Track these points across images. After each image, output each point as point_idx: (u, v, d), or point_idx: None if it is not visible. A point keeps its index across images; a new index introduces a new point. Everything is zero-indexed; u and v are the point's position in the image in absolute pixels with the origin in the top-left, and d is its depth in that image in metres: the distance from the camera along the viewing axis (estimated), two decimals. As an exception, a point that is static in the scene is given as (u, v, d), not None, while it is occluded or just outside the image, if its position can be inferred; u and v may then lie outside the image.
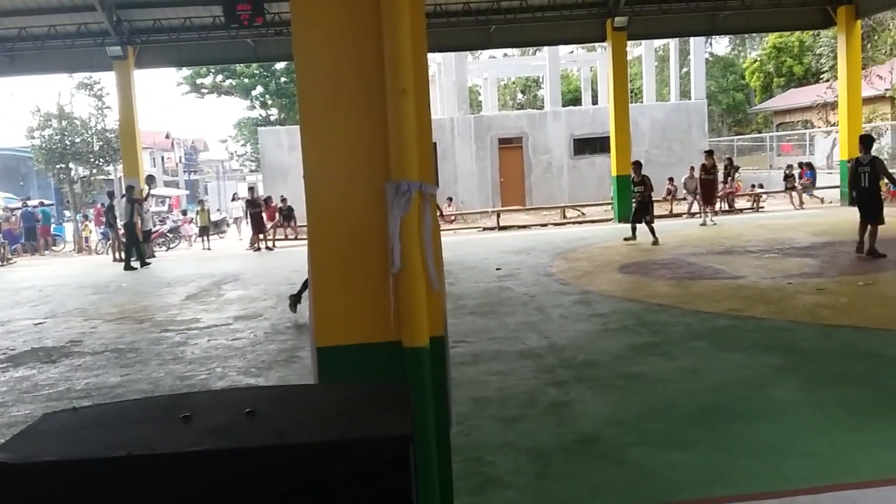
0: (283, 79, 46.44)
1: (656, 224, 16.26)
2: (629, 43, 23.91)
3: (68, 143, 29.93)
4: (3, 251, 23.37)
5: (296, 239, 23.52)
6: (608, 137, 23.23)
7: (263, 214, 22.60)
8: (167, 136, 54.39)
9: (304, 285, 9.02)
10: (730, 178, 25.31)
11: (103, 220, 24.38)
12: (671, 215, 23.30)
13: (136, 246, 18.76)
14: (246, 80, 47.35)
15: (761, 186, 27.41)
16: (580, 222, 24.97)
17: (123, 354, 8.65)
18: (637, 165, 16.65)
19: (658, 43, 35.07)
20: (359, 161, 3.06)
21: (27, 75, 23.84)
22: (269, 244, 22.24)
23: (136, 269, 18.05)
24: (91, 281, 16.37)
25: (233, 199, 32.33)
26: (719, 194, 24.00)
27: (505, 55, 41.39)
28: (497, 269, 13.64)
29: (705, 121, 31.96)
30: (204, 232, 25.04)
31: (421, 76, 3.06)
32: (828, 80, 32.83)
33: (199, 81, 47.89)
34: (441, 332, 3.15)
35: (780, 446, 4.68)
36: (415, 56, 3.00)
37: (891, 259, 11.61)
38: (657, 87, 37.22)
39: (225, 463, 1.90)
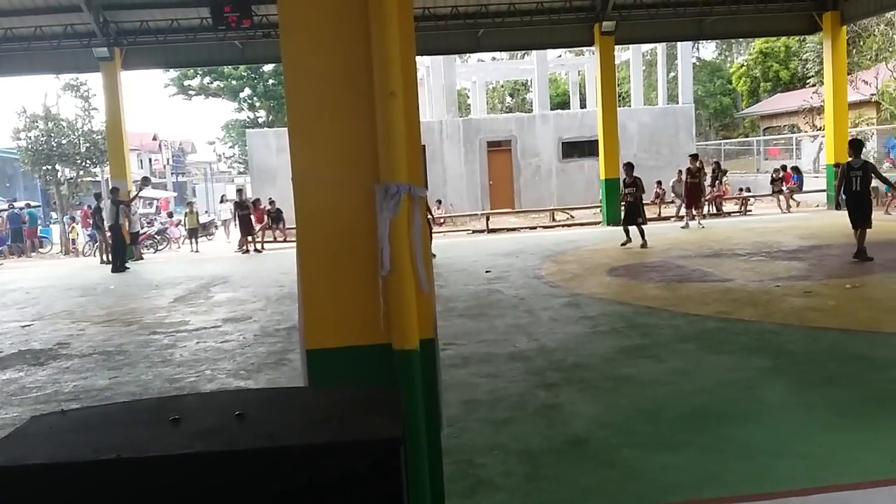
0: (271, 81, 46.35)
1: (645, 227, 16.30)
2: (617, 47, 23.99)
3: (55, 145, 29.77)
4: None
5: (284, 241, 23.46)
6: (596, 141, 23.30)
7: (252, 217, 22.54)
8: (155, 138, 54.23)
9: None
10: (717, 181, 25.42)
11: (90, 221, 24.26)
12: (659, 218, 23.37)
13: (122, 248, 18.69)
14: (234, 82, 47.23)
15: (749, 190, 27.53)
16: (569, 225, 25.02)
17: (112, 357, 8.61)
18: (629, 167, 16.69)
19: (646, 47, 35.15)
20: (347, 163, 3.05)
21: (13, 76, 23.69)
22: (258, 246, 22.18)
23: (125, 270, 17.97)
24: (78, 283, 16.29)
25: (221, 201, 32.21)
26: (707, 198, 24.10)
27: (493, 58, 41.38)
28: (486, 271, 13.65)
29: (693, 125, 32.09)
30: (192, 234, 24.95)
31: (409, 79, 3.05)
32: (814, 85, 33.07)
33: (186, 83, 47.73)
34: (431, 334, 3.14)
35: (770, 448, 4.70)
36: (403, 59, 2.99)
37: (878, 262, 11.68)
38: (645, 91, 37.33)
39: (214, 466, 1.89)
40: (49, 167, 30.09)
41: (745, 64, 46.24)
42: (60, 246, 28.47)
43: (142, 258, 21.77)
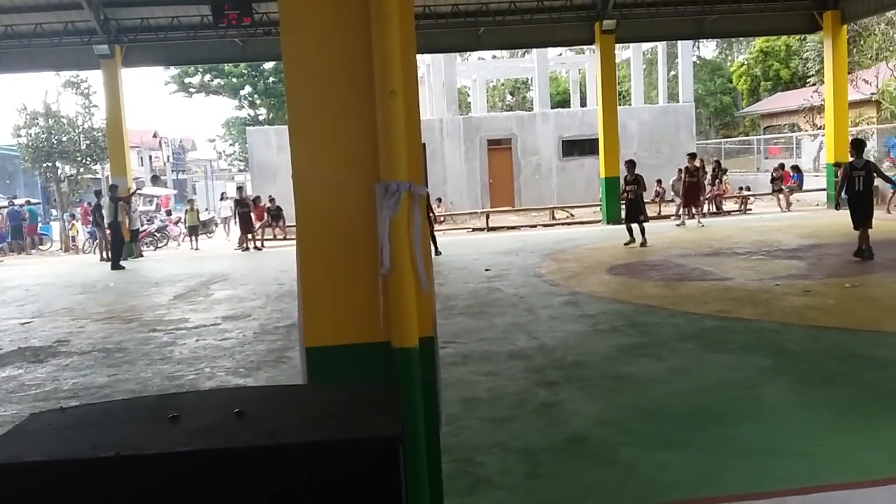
0: (271, 79, 46.32)
1: (646, 225, 16.29)
2: (617, 46, 23.98)
3: (55, 142, 29.75)
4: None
5: (284, 239, 23.46)
6: (597, 139, 23.29)
7: (252, 214, 22.54)
8: (155, 136, 54.17)
9: None
10: (717, 180, 25.41)
11: (90, 219, 24.26)
12: (659, 217, 23.35)
13: (119, 246, 18.69)
14: (234, 80, 47.20)
15: (748, 189, 27.52)
16: (569, 223, 25.01)
17: (111, 354, 8.61)
18: (631, 164, 16.60)
19: (646, 46, 35.12)
20: (348, 161, 3.05)
21: (14, 73, 23.67)
22: (258, 244, 22.18)
23: (123, 268, 17.98)
24: (78, 280, 16.28)
25: (221, 199, 32.21)
26: (707, 196, 24.09)
27: (494, 57, 41.38)
28: (486, 269, 13.65)
29: (693, 123, 32.08)
30: (193, 231, 24.94)
31: (410, 77, 3.05)
32: (814, 84, 33.03)
33: (187, 80, 47.70)
34: (430, 332, 3.15)
35: (769, 447, 4.70)
36: (404, 57, 2.99)
37: (878, 261, 11.69)
38: (645, 89, 37.31)
39: (214, 463, 1.89)
40: (49, 164, 30.08)
41: (746, 63, 46.19)
42: (60, 243, 28.47)
43: (142, 255, 21.76)
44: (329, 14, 3.00)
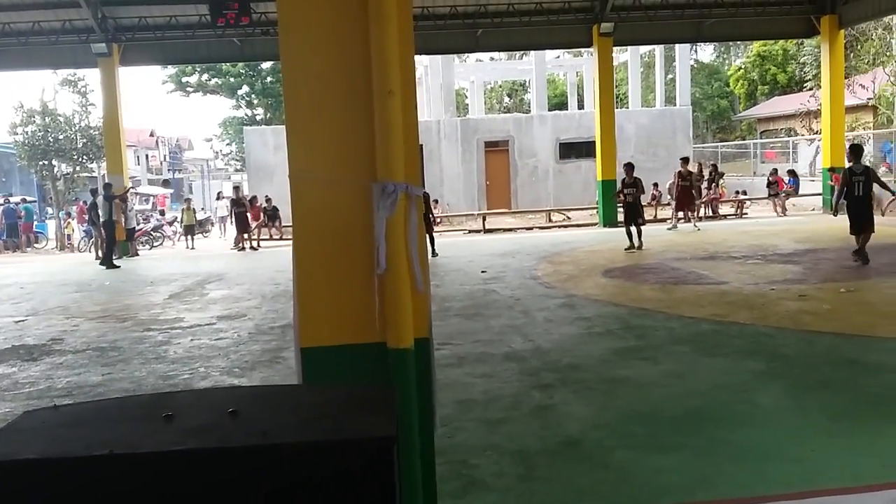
0: (269, 78, 46.26)
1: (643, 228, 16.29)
2: (615, 49, 24.01)
3: (51, 140, 29.73)
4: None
5: (280, 239, 23.44)
6: (594, 142, 23.30)
7: (248, 214, 22.52)
8: (152, 135, 54.17)
9: None
10: (714, 184, 25.45)
11: (86, 217, 24.23)
12: (655, 220, 23.37)
13: (110, 245, 18.67)
14: (232, 80, 47.12)
15: (745, 193, 27.57)
16: (565, 226, 25.03)
17: (105, 353, 8.59)
18: (629, 167, 16.54)
19: (644, 49, 35.18)
20: (345, 161, 3.05)
21: (11, 71, 23.63)
22: (254, 244, 22.16)
23: (116, 268, 17.97)
24: (73, 279, 16.26)
25: (217, 198, 32.15)
26: (703, 200, 24.12)
27: (492, 59, 41.40)
28: (482, 271, 13.65)
29: (690, 127, 32.13)
30: (189, 231, 24.90)
31: (408, 78, 3.05)
32: (811, 89, 33.09)
33: (184, 80, 47.60)
34: (426, 333, 3.14)
35: (764, 451, 4.70)
36: (402, 58, 2.99)
37: (873, 266, 11.71)
38: (643, 92, 37.36)
39: (207, 463, 1.88)
40: (45, 162, 30.05)
41: (743, 67, 46.29)
42: (56, 241, 28.42)
43: (137, 254, 21.75)
44: (327, 14, 3.00)
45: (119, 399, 2.80)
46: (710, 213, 24.51)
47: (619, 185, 17.18)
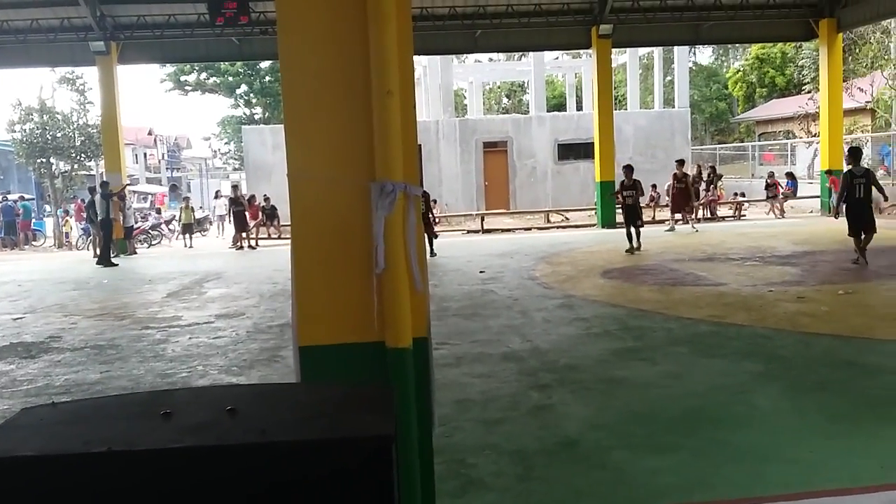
0: (267, 78, 46.25)
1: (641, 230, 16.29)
2: (614, 50, 24.02)
3: (49, 138, 29.71)
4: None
5: (279, 238, 23.44)
6: (592, 143, 23.32)
7: (247, 213, 22.50)
8: (150, 133, 54.08)
9: None
10: (713, 186, 25.46)
11: (84, 215, 24.20)
12: (654, 222, 23.39)
13: (106, 243, 18.65)
14: (230, 79, 47.09)
15: (743, 195, 27.59)
16: (564, 227, 25.04)
17: (103, 351, 8.58)
18: (629, 169, 16.32)
19: (643, 51, 35.23)
20: (343, 161, 3.04)
21: (9, 68, 23.61)
22: (252, 243, 22.15)
23: (114, 266, 17.97)
24: (71, 277, 16.24)
25: (215, 197, 32.15)
26: (702, 202, 24.12)
27: (490, 59, 41.43)
28: (481, 271, 13.65)
29: (688, 129, 32.15)
30: (187, 229, 24.88)
31: (406, 78, 3.05)
32: (809, 92, 33.13)
33: (182, 78, 47.58)
34: (424, 333, 3.14)
35: (761, 453, 4.70)
36: (401, 58, 2.99)
37: (871, 269, 11.73)
38: (641, 94, 37.37)
39: (205, 460, 1.88)
40: (44, 160, 30.03)
41: (742, 69, 46.33)
42: (54, 239, 28.38)
43: (135, 253, 21.74)
44: (326, 14, 3.00)
45: (117, 396, 2.80)
46: (709, 215, 24.51)
47: (617, 187, 17.11)
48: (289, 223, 3.18)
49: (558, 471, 4.63)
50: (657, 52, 34.43)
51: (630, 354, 7.37)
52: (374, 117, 2.97)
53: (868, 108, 29.86)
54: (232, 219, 22.87)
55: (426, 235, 11.77)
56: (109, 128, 21.93)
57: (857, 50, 31.87)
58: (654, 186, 25.81)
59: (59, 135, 29.94)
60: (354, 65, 3.00)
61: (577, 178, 29.67)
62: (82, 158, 31.33)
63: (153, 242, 26.08)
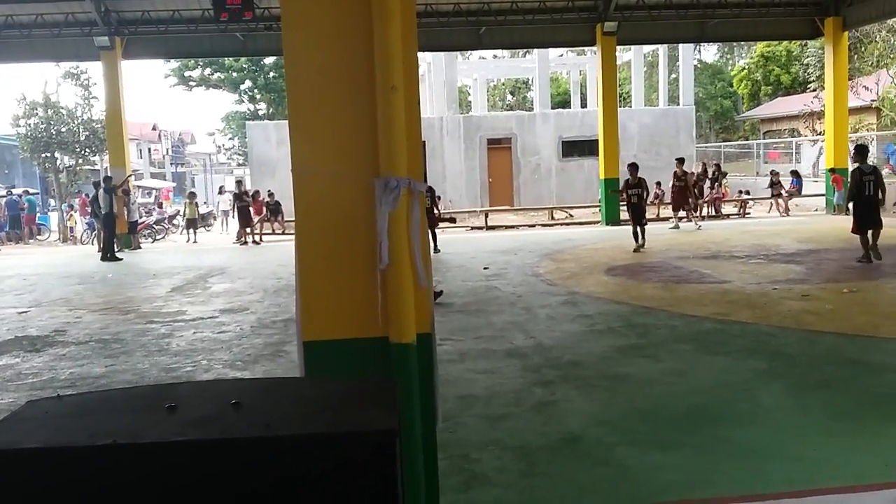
0: (271, 73, 46.29)
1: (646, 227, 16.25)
2: (619, 48, 23.98)
3: (54, 133, 29.68)
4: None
5: (283, 234, 23.45)
6: (596, 141, 23.29)
7: (251, 208, 22.51)
8: (154, 128, 54.17)
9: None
10: (717, 184, 25.42)
11: (88, 210, 24.24)
12: (658, 219, 23.35)
13: (110, 237, 18.68)
14: (234, 74, 47.15)
15: (748, 193, 27.55)
16: (568, 224, 25.02)
17: (108, 345, 8.60)
18: (634, 167, 16.12)
19: (647, 48, 35.13)
20: (347, 156, 3.05)
21: (13, 63, 23.66)
22: (256, 238, 22.16)
23: (118, 260, 18.00)
24: (76, 271, 16.27)
25: (219, 193, 32.11)
26: (706, 199, 24.09)
27: (495, 56, 41.40)
28: (485, 268, 13.65)
29: (693, 126, 32.09)
30: (191, 224, 24.89)
31: (411, 74, 3.05)
32: (815, 90, 33.06)
33: (187, 74, 47.63)
34: (428, 328, 3.14)
35: (764, 450, 4.70)
36: (405, 54, 2.99)
37: (875, 267, 11.71)
38: (646, 92, 37.31)
39: (210, 453, 1.88)
40: (48, 155, 30.02)
41: (747, 67, 46.25)
42: (58, 234, 28.44)
43: (140, 247, 21.76)
44: (330, 9, 3.00)
45: (122, 390, 2.81)
46: (713, 213, 24.48)
47: (622, 185, 17.01)
48: (293, 218, 3.18)
49: (561, 467, 4.64)
50: (662, 49, 34.35)
51: (634, 351, 7.37)
52: (378, 113, 2.98)
53: (873, 106, 29.80)
54: (236, 214, 22.88)
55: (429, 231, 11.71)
56: (114, 123, 21.95)
57: (863, 48, 31.80)
58: (658, 184, 25.76)
59: (63, 130, 29.92)
60: (359, 61, 3.00)
61: (582, 175, 29.64)
62: (87, 153, 31.31)
63: (157, 237, 26.11)
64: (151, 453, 1.86)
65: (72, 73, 30.21)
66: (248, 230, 22.02)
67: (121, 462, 1.85)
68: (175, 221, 28.27)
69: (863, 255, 12.04)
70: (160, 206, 31.92)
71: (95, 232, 22.53)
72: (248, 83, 48.27)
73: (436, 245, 16.20)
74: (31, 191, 32.28)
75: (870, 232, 11.99)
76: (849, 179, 13.03)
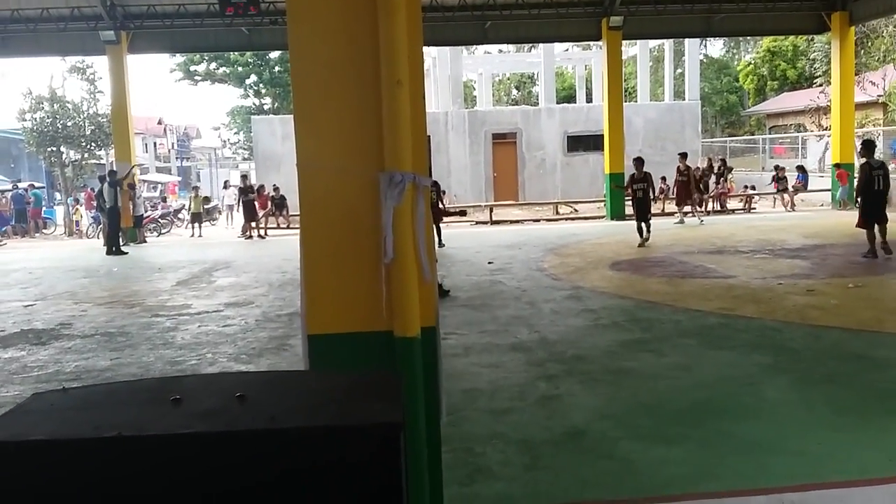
0: (277, 68, 46.25)
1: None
2: (624, 42, 23.92)
3: (60, 127, 29.78)
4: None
5: (288, 228, 23.46)
6: (602, 135, 23.24)
7: (256, 203, 22.54)
8: (160, 123, 54.21)
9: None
10: (723, 178, 25.35)
11: (94, 204, 24.28)
12: (664, 214, 23.31)
13: (115, 231, 18.71)
14: (240, 69, 47.12)
15: (753, 188, 27.48)
16: (573, 219, 24.99)
17: (113, 338, 8.63)
18: (640, 162, 16.01)
19: (653, 43, 35.08)
20: (352, 151, 3.05)
21: (19, 57, 23.71)
22: (261, 232, 22.19)
23: (123, 254, 18.04)
24: (81, 265, 16.31)
25: (224, 187, 32.18)
26: (711, 194, 24.03)
27: (500, 51, 41.40)
28: (489, 262, 13.66)
29: (699, 121, 32.02)
30: (196, 219, 24.93)
31: (416, 68, 3.05)
32: (821, 85, 32.95)
33: (192, 68, 47.63)
34: (433, 322, 3.15)
35: (768, 444, 4.70)
36: (410, 48, 2.99)
37: (880, 262, 11.68)
38: (651, 86, 37.22)
39: (214, 446, 1.89)
40: (54, 149, 30.12)
41: (753, 62, 46.12)
42: (64, 227, 28.50)
43: (145, 241, 21.81)
44: (336, 4, 3.00)
45: (127, 382, 2.81)
46: (718, 208, 24.42)
47: (627, 180, 16.93)
48: (298, 213, 3.18)
49: (565, 460, 4.64)
50: (668, 44, 34.28)
51: (638, 346, 7.37)
52: (383, 107, 2.98)
53: (880, 101, 29.68)
54: (241, 208, 22.91)
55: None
56: (119, 117, 21.98)
57: (870, 43, 31.67)
58: (663, 179, 25.70)
59: (69, 124, 30.02)
60: (364, 55, 3.00)
61: (587, 170, 29.60)
62: (92, 147, 31.41)
63: (163, 231, 26.16)
64: (156, 446, 1.87)
65: (78, 68, 30.30)
66: (254, 224, 22.05)
67: (126, 454, 1.86)
68: (180, 215, 28.29)
69: (868, 250, 12.02)
70: (164, 200, 31.92)
71: (101, 226, 22.56)
72: (253, 77, 48.24)
73: (440, 240, 16.20)
74: (36, 185, 32.30)
75: (877, 228, 11.96)
76: (857, 174, 13.02)
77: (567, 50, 41.80)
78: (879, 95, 29.21)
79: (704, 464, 4.49)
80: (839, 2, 22.08)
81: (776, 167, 26.28)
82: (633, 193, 16.05)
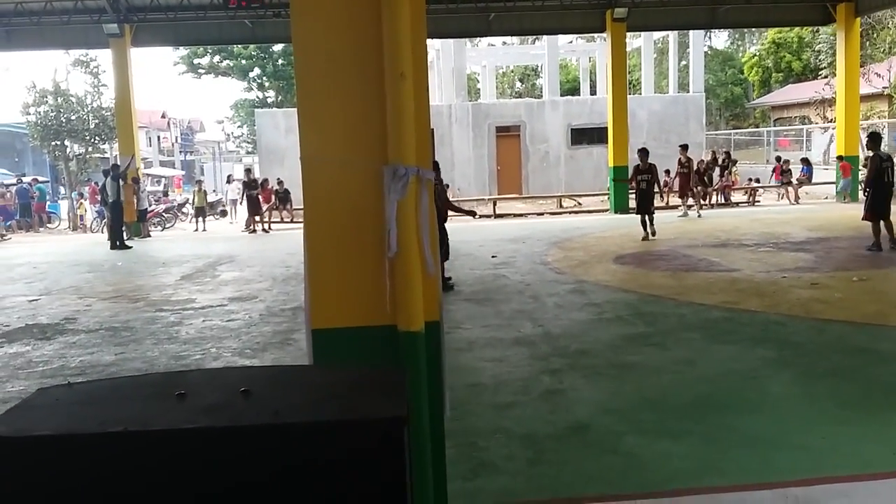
0: (280, 61, 46.19)
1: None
2: (628, 34, 23.87)
3: (64, 120, 29.73)
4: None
5: (291, 222, 23.47)
6: (606, 128, 23.21)
7: (260, 197, 22.55)
8: (163, 116, 54.13)
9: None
10: (727, 171, 25.29)
11: (98, 198, 24.31)
12: (667, 207, 23.27)
13: (118, 226, 18.73)
14: (243, 62, 47.07)
15: (758, 181, 27.41)
16: (576, 212, 24.97)
17: (118, 333, 8.65)
18: (644, 153, 15.88)
19: (657, 35, 34.91)
20: (356, 144, 3.04)
21: (23, 51, 23.69)
22: (265, 226, 22.21)
23: (128, 248, 18.07)
24: (86, 259, 16.34)
25: (227, 181, 32.17)
26: (716, 187, 23.98)
27: (504, 43, 41.29)
28: (493, 256, 13.65)
29: (703, 114, 31.92)
30: (200, 213, 24.94)
31: (420, 61, 3.04)
32: (826, 77, 32.83)
33: (196, 61, 47.58)
34: (436, 316, 3.15)
35: (772, 438, 4.70)
36: (414, 40, 2.98)
37: (884, 255, 11.66)
38: (656, 79, 37.11)
39: (219, 441, 1.89)
40: (58, 143, 30.08)
41: (758, 54, 45.95)
42: (68, 222, 28.52)
43: (149, 235, 21.84)
44: (340, -5, 2.99)
45: (132, 377, 2.82)
46: (723, 201, 24.37)
47: (632, 172, 16.81)
48: (302, 207, 3.18)
49: (569, 455, 4.65)
50: (672, 36, 34.14)
51: (642, 340, 7.37)
52: (387, 100, 2.97)
53: (885, 93, 29.59)
54: (245, 202, 22.91)
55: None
56: (123, 111, 22.00)
57: (875, 35, 31.56)
58: (667, 171, 25.58)
59: (73, 117, 29.97)
60: (368, 47, 2.99)
61: (591, 163, 29.55)
62: (96, 141, 31.36)
63: (167, 225, 26.18)
64: (161, 440, 1.88)
65: (81, 61, 30.23)
66: (258, 218, 22.06)
67: (131, 449, 1.86)
68: (184, 210, 28.31)
69: (873, 243, 12.00)
70: (165, 195, 31.94)
71: (105, 220, 22.59)
72: (256, 71, 48.18)
73: (447, 251, 16.09)
74: (41, 179, 32.37)
75: (882, 223, 11.93)
76: (862, 166, 13.02)
77: (571, 42, 41.75)
78: (885, 87, 29.12)
79: (708, 458, 4.49)
80: (845, -7, 22.01)
81: (778, 158, 26.20)
82: (637, 184, 15.90)
